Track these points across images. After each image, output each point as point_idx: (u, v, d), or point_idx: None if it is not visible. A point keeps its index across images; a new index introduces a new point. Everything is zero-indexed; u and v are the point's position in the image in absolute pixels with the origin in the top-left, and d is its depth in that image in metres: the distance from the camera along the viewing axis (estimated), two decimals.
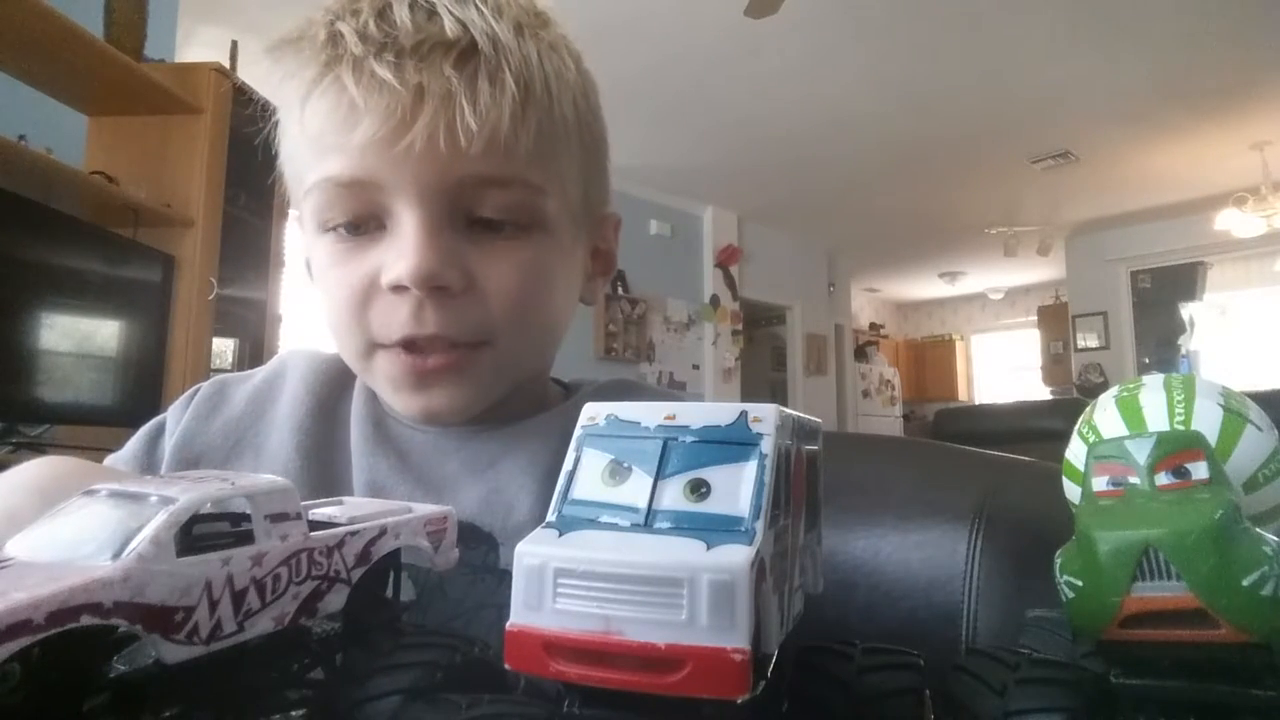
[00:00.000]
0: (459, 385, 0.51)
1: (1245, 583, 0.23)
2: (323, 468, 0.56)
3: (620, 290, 5.66)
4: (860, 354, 8.65)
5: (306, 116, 0.48)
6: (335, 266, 0.50)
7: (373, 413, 0.57)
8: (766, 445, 0.23)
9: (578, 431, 0.25)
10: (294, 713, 0.27)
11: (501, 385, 0.53)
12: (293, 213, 0.57)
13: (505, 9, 0.49)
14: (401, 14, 0.46)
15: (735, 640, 0.19)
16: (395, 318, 0.48)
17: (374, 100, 0.45)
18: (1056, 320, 8.26)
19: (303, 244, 0.56)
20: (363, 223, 0.49)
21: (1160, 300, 7.09)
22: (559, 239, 0.52)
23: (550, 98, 0.49)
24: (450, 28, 0.46)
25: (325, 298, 0.52)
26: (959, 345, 10.06)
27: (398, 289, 0.47)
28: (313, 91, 0.47)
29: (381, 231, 0.49)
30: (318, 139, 0.48)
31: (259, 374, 0.62)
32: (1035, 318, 8.96)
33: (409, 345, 0.49)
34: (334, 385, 0.59)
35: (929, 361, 10.08)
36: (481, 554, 0.50)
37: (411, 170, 0.46)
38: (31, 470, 0.52)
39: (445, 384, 0.50)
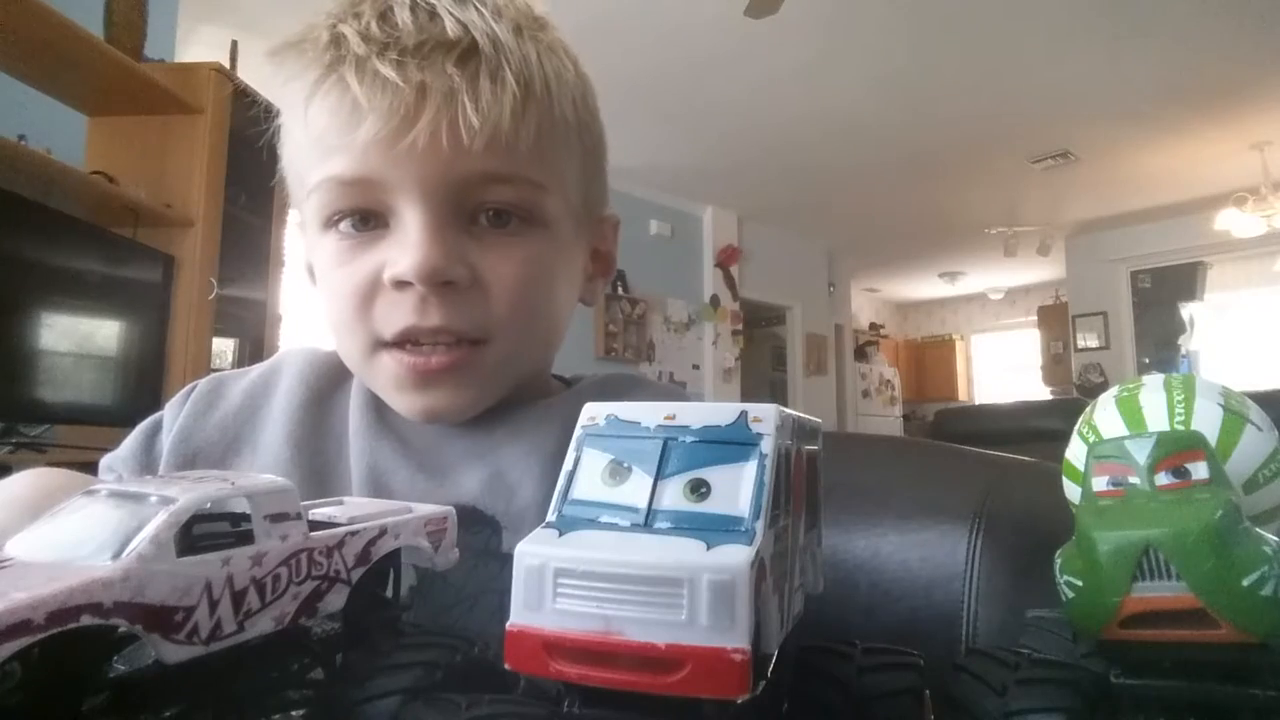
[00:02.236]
0: (461, 385, 0.51)
1: (1245, 583, 0.23)
2: (314, 457, 0.56)
3: (620, 290, 5.66)
4: (860, 354, 8.65)
5: (310, 117, 0.48)
6: (339, 266, 0.50)
7: (373, 400, 0.57)
8: (766, 445, 0.23)
9: (578, 431, 0.25)
10: (294, 713, 0.27)
11: (502, 384, 0.53)
12: (294, 217, 0.58)
13: (504, 11, 0.49)
14: (403, 16, 0.47)
15: (735, 640, 0.19)
16: (399, 311, 0.49)
17: (377, 99, 0.45)
18: (1056, 320, 8.25)
19: (304, 247, 0.56)
20: (369, 216, 0.49)
21: (1160, 300, 7.08)
22: (560, 237, 0.53)
23: (550, 97, 0.49)
24: (451, 28, 0.46)
25: (328, 297, 0.52)
26: (959, 345, 10.06)
27: (401, 285, 0.48)
28: (316, 92, 0.47)
29: (385, 229, 0.49)
30: (321, 139, 0.48)
31: (255, 370, 0.63)
32: (1035, 318, 8.95)
33: (412, 339, 0.49)
34: (329, 378, 0.60)
35: (929, 361, 10.07)
36: (484, 538, 0.50)
37: (414, 168, 0.46)
38: (19, 484, 0.52)
39: (447, 384, 0.51)
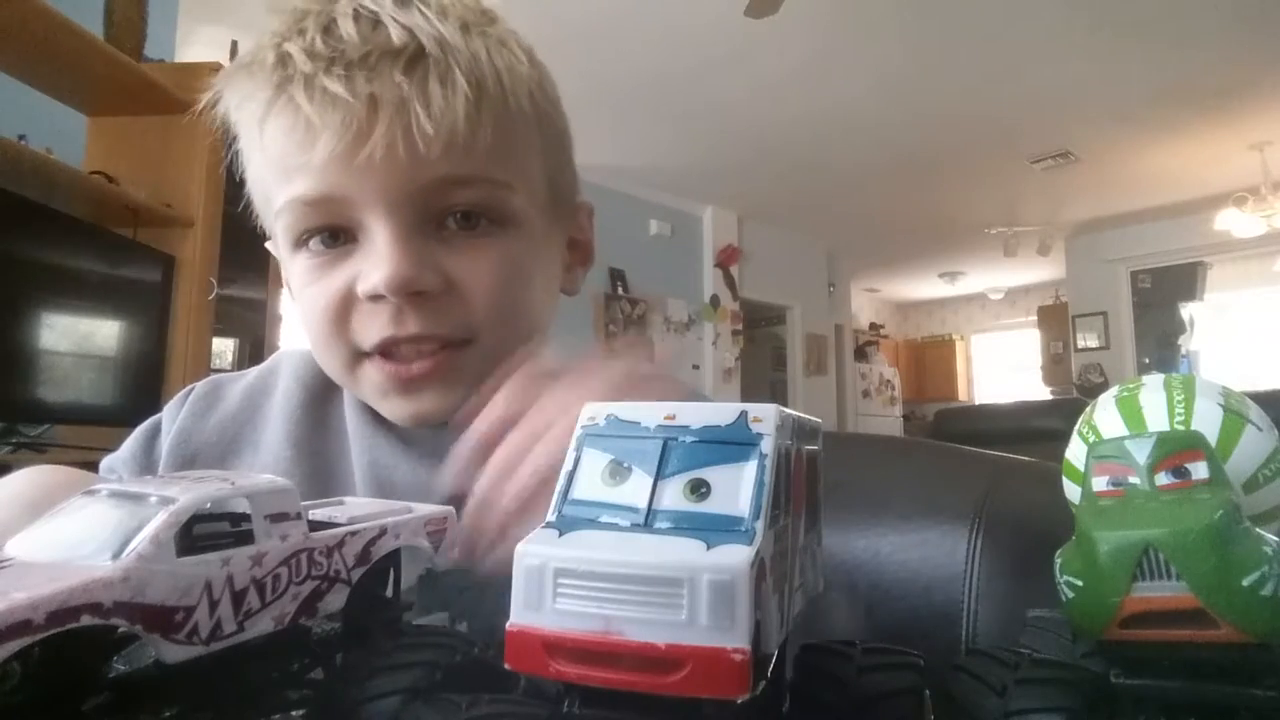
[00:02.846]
0: (445, 387, 0.51)
1: (1245, 583, 0.23)
2: (314, 457, 0.56)
3: (620, 290, 5.66)
4: (860, 354, 8.65)
5: (266, 140, 0.48)
6: (312, 284, 0.50)
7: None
8: (766, 445, 0.23)
9: (577, 431, 0.25)
10: (294, 713, 0.27)
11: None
12: (269, 241, 0.57)
13: (450, 10, 0.49)
14: (347, 28, 0.46)
15: (735, 640, 0.19)
16: (375, 323, 0.48)
17: (329, 116, 0.45)
18: (1056, 320, 8.25)
19: (281, 266, 0.56)
20: (337, 232, 0.49)
21: (1160, 300, 7.09)
22: (530, 232, 0.53)
23: (504, 92, 0.49)
24: (396, 35, 0.46)
25: (305, 314, 0.52)
26: (959, 345, 10.06)
27: (375, 298, 0.48)
28: (268, 114, 0.47)
29: (354, 244, 0.49)
30: (279, 161, 0.48)
31: (252, 373, 0.63)
32: (1035, 318, 8.95)
33: (391, 348, 0.49)
34: (326, 378, 0.60)
35: (929, 361, 10.07)
36: None
37: (375, 181, 0.46)
38: (19, 482, 0.52)
39: (432, 388, 0.51)
